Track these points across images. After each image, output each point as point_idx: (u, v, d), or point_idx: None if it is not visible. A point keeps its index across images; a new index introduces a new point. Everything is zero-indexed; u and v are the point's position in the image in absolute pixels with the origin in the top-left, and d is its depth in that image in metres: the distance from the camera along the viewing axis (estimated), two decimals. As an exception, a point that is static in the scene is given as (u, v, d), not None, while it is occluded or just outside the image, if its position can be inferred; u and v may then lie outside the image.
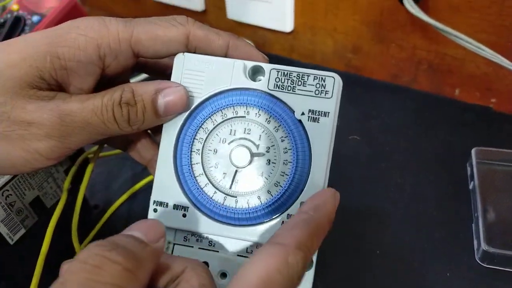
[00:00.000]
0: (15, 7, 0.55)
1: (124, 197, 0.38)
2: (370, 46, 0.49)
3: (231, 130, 0.26)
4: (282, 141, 0.26)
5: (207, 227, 0.26)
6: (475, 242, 0.33)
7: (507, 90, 0.44)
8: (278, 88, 0.26)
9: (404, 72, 0.49)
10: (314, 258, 0.26)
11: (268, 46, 0.57)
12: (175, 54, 0.27)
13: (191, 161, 0.26)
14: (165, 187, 0.26)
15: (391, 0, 0.44)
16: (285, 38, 0.55)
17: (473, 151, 0.39)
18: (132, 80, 0.51)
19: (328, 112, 0.26)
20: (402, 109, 0.47)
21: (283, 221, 0.26)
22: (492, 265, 0.31)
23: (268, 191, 0.26)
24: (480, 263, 0.32)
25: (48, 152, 0.24)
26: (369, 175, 0.39)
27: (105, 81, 0.26)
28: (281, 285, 0.19)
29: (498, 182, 0.36)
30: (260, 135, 0.26)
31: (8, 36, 0.54)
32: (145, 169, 0.30)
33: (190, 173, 0.26)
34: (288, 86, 0.26)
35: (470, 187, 0.37)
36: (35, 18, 0.54)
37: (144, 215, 0.26)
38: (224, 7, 0.56)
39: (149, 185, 0.27)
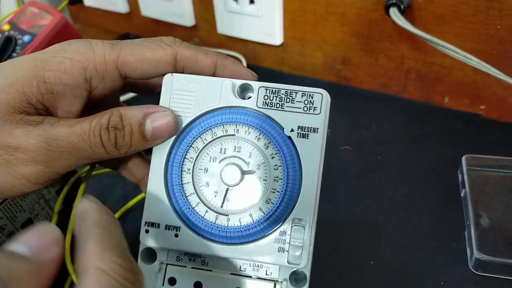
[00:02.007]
0: (6, 27, 0.56)
1: (116, 215, 0.38)
2: (359, 57, 0.50)
3: (221, 148, 0.27)
4: (272, 158, 0.26)
5: (200, 246, 0.26)
6: (468, 250, 0.33)
7: (495, 96, 0.45)
8: (267, 105, 0.27)
9: (394, 82, 0.49)
10: (308, 274, 0.26)
11: (259, 59, 0.58)
12: (163, 75, 0.27)
13: (182, 181, 0.27)
14: (156, 207, 0.26)
15: (378, 11, 0.45)
16: (276, 51, 0.55)
17: (463, 158, 0.39)
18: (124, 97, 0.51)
19: (317, 128, 0.26)
20: (393, 118, 0.47)
21: (275, 238, 0.26)
22: (486, 273, 0.32)
23: (260, 209, 0.26)
24: (474, 271, 0.32)
25: (35, 177, 0.24)
26: (361, 185, 0.39)
27: (93, 103, 0.27)
28: None
29: (489, 189, 0.37)
30: (250, 153, 0.26)
31: (-1, 55, 0.54)
32: (137, 187, 0.30)
33: (181, 192, 0.26)
34: (277, 103, 0.27)
35: (462, 194, 0.37)
36: (27, 38, 0.54)
37: (137, 233, 0.26)
38: (214, 22, 0.57)
39: (142, 203, 0.27)
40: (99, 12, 0.71)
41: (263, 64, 0.58)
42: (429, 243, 0.34)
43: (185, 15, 0.59)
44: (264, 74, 0.55)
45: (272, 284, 0.26)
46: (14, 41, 0.54)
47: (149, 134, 0.25)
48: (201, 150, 0.27)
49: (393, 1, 0.41)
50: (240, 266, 0.27)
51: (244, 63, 0.56)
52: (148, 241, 0.27)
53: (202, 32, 0.61)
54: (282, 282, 0.26)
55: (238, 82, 0.27)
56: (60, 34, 0.55)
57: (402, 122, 0.46)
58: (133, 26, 0.69)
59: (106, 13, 0.70)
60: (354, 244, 0.35)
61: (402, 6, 0.41)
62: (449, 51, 0.39)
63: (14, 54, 0.54)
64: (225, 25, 0.56)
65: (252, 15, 0.52)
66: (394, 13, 0.41)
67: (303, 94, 0.26)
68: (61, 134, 0.24)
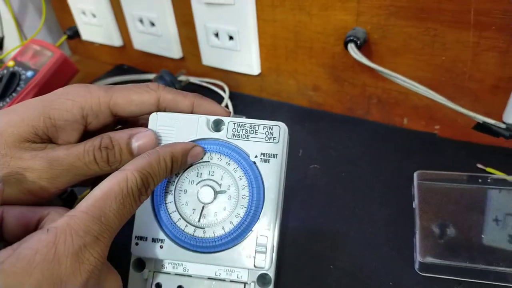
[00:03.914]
0: (10, 63, 0.61)
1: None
2: (327, 85, 0.56)
3: (197, 172, 0.32)
4: (240, 179, 0.32)
5: (181, 255, 0.31)
6: (414, 255, 0.38)
7: (447, 118, 0.51)
8: (235, 136, 0.32)
9: (358, 106, 0.55)
10: (272, 275, 0.31)
11: (240, 87, 0.63)
12: (148, 114, 0.33)
13: (165, 201, 0.32)
14: (144, 223, 0.32)
15: (339, 46, 0.51)
16: (254, 80, 0.61)
17: (415, 174, 0.44)
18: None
19: (276, 154, 0.32)
20: (358, 139, 0.53)
21: (244, 246, 0.31)
22: (428, 273, 0.37)
23: (230, 222, 0.31)
24: (419, 272, 0.37)
25: (40, 192, 0.29)
26: (326, 200, 0.45)
27: (88, 136, 0.32)
28: (120, 196, 0.25)
29: (434, 200, 0.42)
30: (222, 176, 0.32)
31: (5, 89, 0.59)
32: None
33: (164, 210, 0.32)
34: (243, 134, 0.32)
35: (414, 206, 0.43)
36: (29, 73, 0.60)
37: (128, 245, 0.32)
38: (200, 55, 0.63)
39: (132, 219, 0.32)
40: (96, 46, 0.77)
41: (244, 91, 0.64)
42: (382, 250, 0.39)
43: (173, 49, 0.65)
44: (245, 100, 0.62)
45: (242, 285, 0.31)
46: (18, 76, 0.60)
47: (136, 150, 0.31)
48: (181, 175, 0.32)
49: (351, 38, 0.47)
50: (216, 271, 0.32)
51: (227, 91, 0.62)
52: (138, 252, 0.32)
53: (189, 64, 0.67)
54: (250, 284, 0.31)
55: (212, 118, 0.33)
56: (60, 69, 0.61)
57: (366, 142, 0.52)
58: (126, 58, 0.75)
59: (102, 46, 0.76)
60: (317, 250, 0.40)
61: (358, 42, 0.47)
62: (399, 80, 0.45)
63: (18, 88, 0.59)
64: (209, 58, 0.62)
65: (232, 49, 0.58)
66: (351, 48, 0.47)
67: (264, 127, 0.32)
68: (60, 155, 0.29)
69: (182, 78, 0.65)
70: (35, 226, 0.28)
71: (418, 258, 0.37)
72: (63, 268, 0.22)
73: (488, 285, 0.35)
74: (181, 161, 0.30)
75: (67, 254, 0.22)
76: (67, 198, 0.38)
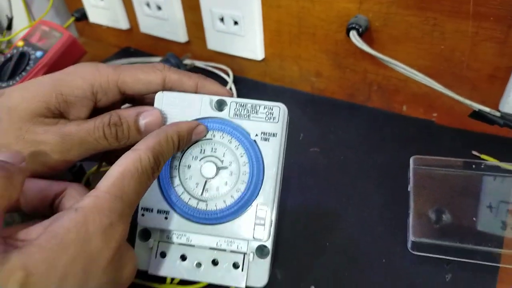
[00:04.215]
0: (20, 43, 0.63)
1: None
2: (329, 71, 0.57)
3: (201, 149, 0.34)
4: (241, 156, 0.33)
5: (184, 226, 0.33)
6: (407, 235, 0.40)
7: (445, 106, 0.52)
8: (237, 116, 0.34)
9: (359, 92, 0.57)
10: (270, 247, 0.33)
11: (244, 72, 0.65)
12: (154, 93, 0.34)
13: (170, 175, 0.34)
14: (150, 196, 0.33)
15: (342, 33, 0.52)
16: (258, 65, 0.63)
17: (411, 158, 0.46)
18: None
19: (276, 133, 0.33)
20: (357, 124, 0.54)
21: (244, 219, 0.33)
22: (420, 252, 0.38)
23: (231, 196, 0.33)
24: (411, 251, 0.39)
25: (53, 164, 0.31)
26: (324, 181, 0.46)
27: (98, 112, 0.33)
28: (136, 174, 0.27)
29: (429, 184, 0.43)
30: (224, 153, 0.34)
31: (15, 68, 0.61)
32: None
33: (169, 184, 0.33)
34: (245, 114, 0.34)
35: (409, 189, 0.44)
36: (39, 54, 0.61)
37: (135, 217, 0.33)
38: (205, 39, 0.64)
39: None
40: (103, 28, 0.78)
41: (248, 76, 0.65)
42: (376, 230, 0.41)
43: (179, 33, 0.66)
44: (248, 84, 0.63)
45: (242, 256, 0.33)
46: (28, 56, 0.61)
47: (143, 128, 0.33)
48: (185, 151, 0.34)
49: (353, 25, 0.48)
50: (217, 242, 0.34)
51: (231, 75, 0.64)
52: (144, 222, 0.34)
53: (194, 47, 0.68)
54: (249, 254, 0.33)
55: (215, 98, 0.34)
56: (68, 50, 0.62)
57: (365, 127, 0.54)
58: (133, 41, 0.76)
59: (109, 29, 0.77)
60: (314, 229, 0.41)
61: (360, 29, 0.48)
62: (399, 68, 0.47)
63: (27, 68, 0.60)
64: (214, 42, 0.63)
65: (236, 34, 0.59)
66: (353, 35, 0.48)
67: (265, 107, 0.33)
68: (72, 130, 0.31)
69: (187, 61, 0.66)
70: (51, 200, 0.29)
71: (410, 237, 0.38)
72: (93, 245, 0.24)
73: (476, 264, 0.37)
74: (186, 139, 0.32)
75: (96, 232, 0.24)
76: (77, 172, 0.39)
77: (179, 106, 0.34)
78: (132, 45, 0.77)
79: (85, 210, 0.24)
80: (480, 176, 0.44)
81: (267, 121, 0.33)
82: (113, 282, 0.26)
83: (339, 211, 0.43)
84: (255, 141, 0.33)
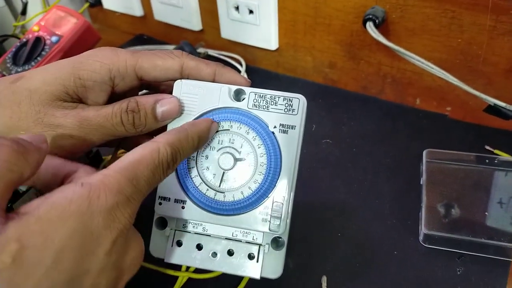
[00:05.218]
0: (35, 28, 0.63)
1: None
2: (343, 62, 0.57)
3: (219, 140, 0.34)
4: (259, 148, 0.33)
5: (201, 216, 0.33)
6: (419, 227, 0.40)
7: (459, 100, 0.52)
8: (256, 107, 0.34)
9: (373, 85, 0.57)
10: (285, 239, 0.34)
11: (257, 61, 0.65)
12: (171, 80, 0.34)
13: (188, 165, 0.34)
14: (168, 185, 0.34)
15: (358, 24, 0.52)
16: (272, 55, 0.62)
17: (424, 152, 0.46)
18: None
19: (295, 126, 0.33)
20: (370, 116, 0.54)
21: (260, 211, 0.33)
22: (431, 245, 0.39)
23: (249, 187, 0.33)
24: (422, 243, 0.39)
25: (70, 148, 0.31)
26: (336, 173, 0.47)
27: (115, 98, 0.33)
28: (150, 165, 0.26)
29: (442, 178, 0.44)
30: (241, 144, 0.34)
31: (30, 53, 0.61)
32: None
33: (187, 174, 0.34)
34: (263, 105, 0.34)
35: (421, 182, 0.45)
36: (54, 39, 0.61)
37: (152, 206, 0.34)
38: (219, 28, 0.64)
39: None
40: (117, 15, 0.78)
41: (261, 66, 0.65)
42: (388, 221, 0.41)
43: (193, 21, 0.66)
44: (261, 74, 0.63)
45: (257, 247, 0.34)
46: (43, 41, 0.61)
47: (160, 116, 0.32)
48: (203, 141, 0.34)
49: (370, 16, 0.48)
50: (233, 233, 0.34)
51: (244, 65, 0.63)
52: (161, 211, 0.34)
53: (208, 36, 0.68)
54: (265, 245, 0.34)
55: (233, 88, 0.34)
56: (83, 35, 0.62)
57: (378, 120, 0.54)
58: (147, 28, 0.76)
59: (123, 16, 0.77)
60: (327, 219, 0.42)
61: (377, 21, 0.48)
62: (414, 60, 0.46)
63: (43, 53, 0.61)
64: (228, 31, 0.63)
65: (251, 23, 0.59)
66: (369, 26, 0.48)
67: (284, 99, 0.33)
68: (90, 115, 0.31)
69: (201, 50, 0.66)
70: (62, 179, 0.28)
71: (422, 230, 0.39)
72: (95, 223, 0.22)
73: (487, 258, 0.38)
74: (205, 140, 0.32)
75: (100, 209, 0.23)
76: (94, 158, 0.40)
77: (198, 95, 0.34)
78: (145, 32, 0.77)
79: (92, 185, 0.23)
80: (492, 171, 0.45)
81: (286, 113, 0.33)
82: (115, 267, 0.25)
83: (351, 203, 0.43)
84: (273, 132, 0.33)
